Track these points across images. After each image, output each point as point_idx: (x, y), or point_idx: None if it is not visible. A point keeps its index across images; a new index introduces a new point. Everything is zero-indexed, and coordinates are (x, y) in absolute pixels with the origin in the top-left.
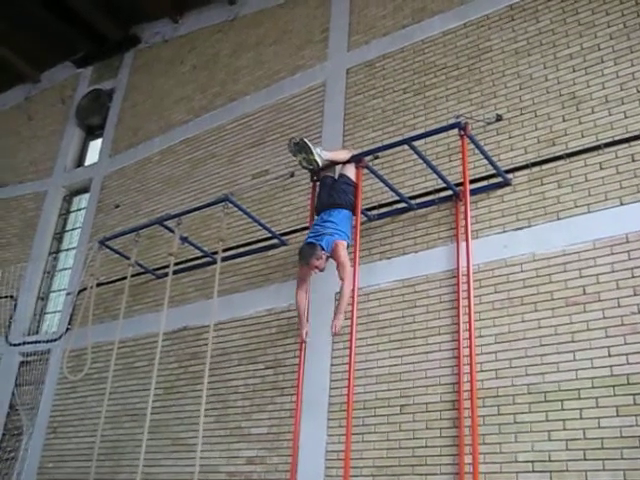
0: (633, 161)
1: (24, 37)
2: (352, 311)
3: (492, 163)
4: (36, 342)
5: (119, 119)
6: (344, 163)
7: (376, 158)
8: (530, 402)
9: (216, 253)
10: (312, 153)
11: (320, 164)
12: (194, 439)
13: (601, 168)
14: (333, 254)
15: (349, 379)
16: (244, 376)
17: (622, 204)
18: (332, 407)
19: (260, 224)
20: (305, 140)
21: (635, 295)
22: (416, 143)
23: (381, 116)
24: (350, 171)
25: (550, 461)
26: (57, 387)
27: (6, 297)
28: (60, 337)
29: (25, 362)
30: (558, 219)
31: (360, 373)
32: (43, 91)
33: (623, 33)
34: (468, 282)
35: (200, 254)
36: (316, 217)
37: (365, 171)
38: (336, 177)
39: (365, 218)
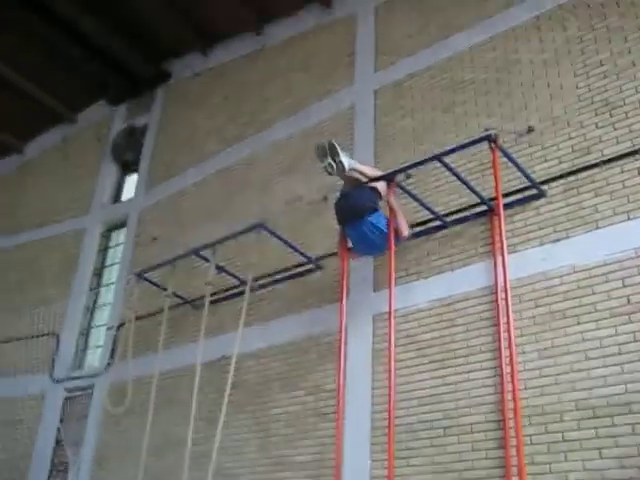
0: None
1: (58, 78)
2: (389, 333)
3: (525, 174)
4: (79, 377)
5: (153, 154)
6: (374, 180)
7: (408, 177)
8: (579, 419)
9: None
10: (338, 154)
11: (346, 167)
12: (238, 469)
13: (639, 174)
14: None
15: (389, 402)
16: (285, 403)
17: None
18: (375, 432)
19: (295, 249)
20: (333, 142)
21: None
22: (448, 159)
23: (411, 136)
24: (379, 187)
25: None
26: (101, 421)
27: (49, 334)
28: (102, 372)
29: (69, 398)
30: (597, 228)
31: (401, 396)
32: (79, 131)
33: None
34: (506, 297)
35: (237, 283)
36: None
37: (398, 191)
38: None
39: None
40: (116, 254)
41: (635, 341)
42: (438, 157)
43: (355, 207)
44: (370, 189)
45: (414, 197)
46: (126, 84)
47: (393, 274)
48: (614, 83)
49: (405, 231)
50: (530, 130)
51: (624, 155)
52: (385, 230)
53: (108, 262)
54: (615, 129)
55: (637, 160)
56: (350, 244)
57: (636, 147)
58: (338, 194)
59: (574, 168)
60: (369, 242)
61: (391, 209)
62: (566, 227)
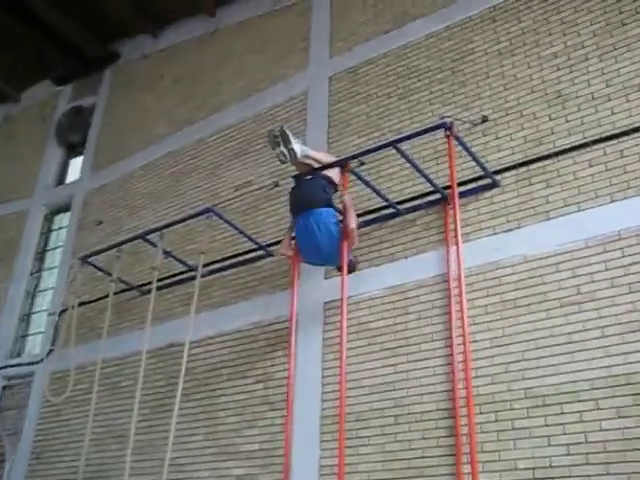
0: (622, 157)
1: (2, 56)
2: (342, 320)
3: (479, 164)
4: (18, 365)
5: (100, 136)
6: (327, 167)
7: (362, 164)
8: (528, 407)
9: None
10: (290, 142)
11: (298, 154)
12: (183, 459)
13: (590, 166)
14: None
15: (341, 390)
16: (233, 392)
17: (613, 201)
18: (324, 420)
19: (245, 235)
20: (285, 129)
21: (630, 293)
22: (402, 147)
23: (366, 122)
24: (333, 176)
25: (551, 467)
26: (41, 411)
27: None
28: (43, 359)
29: (8, 386)
30: (548, 219)
31: (352, 384)
32: (23, 110)
33: (606, 30)
34: (460, 286)
35: (185, 269)
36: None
37: (351, 177)
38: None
39: None
40: (59, 237)
41: (584, 330)
42: (393, 144)
43: (309, 197)
44: (325, 180)
45: (367, 184)
46: (73, 63)
47: (345, 263)
48: (567, 76)
49: (353, 223)
50: (484, 120)
51: (576, 147)
52: (332, 231)
53: (51, 245)
54: (567, 121)
55: (588, 152)
56: (297, 244)
57: (587, 139)
58: (293, 182)
59: (526, 159)
60: (314, 241)
61: (344, 204)
62: (518, 217)
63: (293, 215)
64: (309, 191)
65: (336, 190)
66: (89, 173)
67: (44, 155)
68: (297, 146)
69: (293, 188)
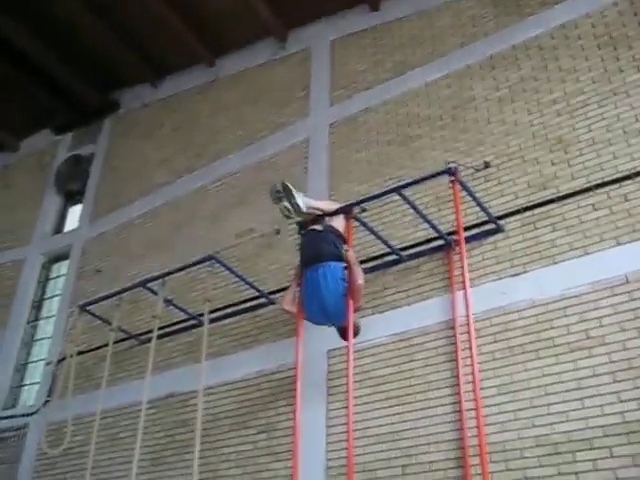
0: (626, 201)
1: (1, 104)
2: (347, 369)
3: (484, 209)
4: (12, 417)
5: (99, 184)
6: (331, 215)
7: (364, 211)
8: (540, 455)
9: (202, 315)
10: (294, 197)
11: (303, 209)
12: None
13: (594, 209)
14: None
15: (348, 440)
16: (236, 442)
17: (619, 244)
18: (330, 471)
19: (247, 282)
20: (287, 184)
21: None
22: (404, 193)
23: (366, 169)
24: (337, 223)
25: None
26: (35, 464)
27: None
28: (38, 410)
29: (1, 438)
30: (554, 263)
31: (357, 434)
32: (21, 159)
33: (604, 77)
34: (469, 332)
35: (185, 317)
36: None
37: (353, 224)
38: (321, 229)
39: None
40: (57, 286)
41: (595, 376)
42: (397, 190)
43: (319, 250)
44: (335, 234)
45: (371, 230)
46: (73, 113)
47: (351, 311)
48: (568, 122)
49: (360, 279)
50: (486, 165)
51: (579, 191)
52: (339, 287)
53: (48, 294)
54: (570, 166)
55: (592, 196)
56: (301, 300)
57: (591, 183)
58: (297, 229)
59: (530, 203)
60: (319, 296)
61: (348, 261)
62: (524, 262)
63: (302, 268)
64: (319, 244)
65: (345, 242)
66: (88, 221)
67: (42, 203)
68: (300, 199)
69: (302, 239)
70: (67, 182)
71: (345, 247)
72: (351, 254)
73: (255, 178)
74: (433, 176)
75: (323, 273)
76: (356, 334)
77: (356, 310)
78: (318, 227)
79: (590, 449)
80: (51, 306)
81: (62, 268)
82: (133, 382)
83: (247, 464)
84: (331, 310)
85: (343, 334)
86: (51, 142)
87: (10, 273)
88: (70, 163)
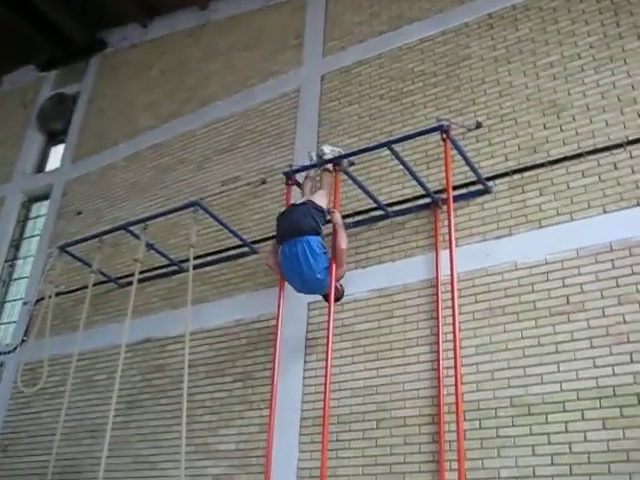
0: (616, 169)
1: None
2: (328, 322)
3: (473, 169)
4: None
5: (83, 124)
6: (322, 164)
7: (352, 164)
8: (513, 415)
9: (183, 261)
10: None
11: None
12: (157, 456)
13: (583, 176)
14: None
15: (325, 392)
16: (211, 389)
17: (605, 212)
18: (304, 422)
19: (231, 231)
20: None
21: (620, 305)
22: (394, 149)
23: (357, 123)
24: (319, 198)
25: (535, 476)
26: (9, 402)
27: None
28: (14, 349)
29: None
30: (540, 227)
31: (334, 386)
32: (4, 94)
33: (603, 42)
34: (452, 291)
35: (165, 263)
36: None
37: (342, 177)
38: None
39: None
40: (37, 226)
41: (572, 340)
42: (388, 144)
43: (296, 223)
44: (316, 209)
45: (359, 184)
46: (58, 49)
47: (333, 278)
48: (563, 86)
49: (343, 244)
50: (478, 125)
51: (570, 157)
52: (318, 261)
53: (27, 234)
54: (562, 131)
55: (582, 163)
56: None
57: (582, 150)
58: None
59: (520, 166)
60: (298, 270)
61: (334, 223)
62: (509, 224)
63: (278, 243)
64: (297, 217)
65: (326, 221)
66: (70, 162)
67: (24, 141)
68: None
69: (282, 213)
70: (50, 121)
71: (332, 209)
72: (337, 216)
73: (244, 126)
74: (425, 132)
75: (302, 249)
76: (339, 298)
77: (338, 278)
78: (299, 203)
79: (562, 411)
80: (30, 246)
81: (42, 208)
82: (111, 325)
83: (222, 411)
84: (312, 284)
85: (326, 297)
86: (35, 79)
87: None
88: (54, 101)
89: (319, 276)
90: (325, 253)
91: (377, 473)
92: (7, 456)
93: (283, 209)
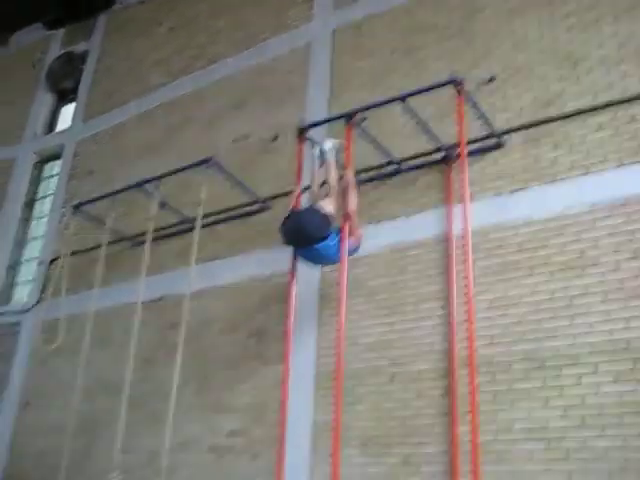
0: (633, 121)
1: None
2: (341, 277)
3: (487, 123)
4: (6, 313)
5: (93, 83)
6: (335, 119)
7: (363, 120)
8: (527, 369)
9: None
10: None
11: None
12: (173, 413)
13: (600, 129)
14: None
15: (339, 347)
16: (226, 345)
17: (621, 165)
18: (319, 377)
19: (244, 187)
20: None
21: (634, 259)
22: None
23: (369, 77)
24: (326, 204)
25: (547, 429)
26: (28, 361)
27: None
28: (31, 308)
29: None
30: (554, 181)
31: (348, 341)
32: (11, 54)
33: None
34: (466, 246)
35: (179, 221)
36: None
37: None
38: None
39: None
40: (49, 186)
41: (586, 294)
42: (402, 98)
43: (302, 233)
44: (322, 216)
45: (372, 139)
46: (66, 7)
47: (347, 222)
48: (579, 36)
49: (353, 204)
50: (492, 79)
51: (586, 110)
52: (330, 251)
53: (40, 194)
54: (578, 83)
55: (598, 115)
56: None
57: (598, 102)
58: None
59: (535, 120)
60: (314, 262)
61: (346, 183)
62: (523, 178)
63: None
64: (304, 226)
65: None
66: (81, 121)
67: (34, 101)
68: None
69: (286, 218)
70: (60, 80)
71: (345, 171)
72: (350, 177)
73: (254, 82)
74: (439, 86)
75: (315, 252)
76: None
77: (352, 252)
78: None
79: (575, 365)
80: (43, 206)
81: (55, 168)
82: (125, 284)
83: (237, 367)
84: (331, 262)
85: None
86: (43, 37)
87: (1, 172)
88: (63, 60)
89: (335, 258)
90: (334, 232)
91: (391, 426)
92: (29, 412)
93: (288, 214)
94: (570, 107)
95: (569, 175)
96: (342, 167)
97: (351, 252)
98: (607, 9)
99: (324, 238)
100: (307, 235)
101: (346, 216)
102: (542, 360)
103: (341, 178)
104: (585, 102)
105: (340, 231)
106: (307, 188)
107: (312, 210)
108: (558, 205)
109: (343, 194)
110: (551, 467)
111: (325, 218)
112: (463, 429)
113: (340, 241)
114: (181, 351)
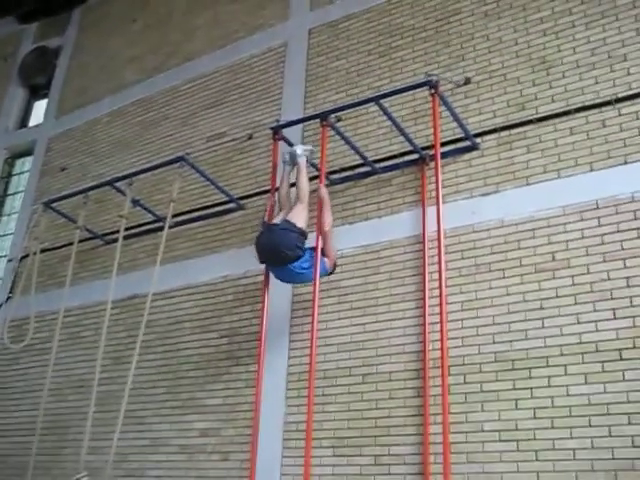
0: (604, 127)
1: None
2: (315, 277)
3: (461, 125)
4: None
5: (66, 79)
6: (308, 120)
7: (338, 120)
8: (497, 370)
9: None
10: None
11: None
12: (143, 411)
13: (571, 133)
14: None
15: (311, 347)
16: (197, 345)
17: (592, 170)
18: (291, 377)
19: (217, 186)
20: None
21: (605, 262)
22: (382, 104)
23: (345, 78)
24: (299, 216)
25: (517, 430)
26: None
27: None
28: (1, 305)
29: None
30: (527, 184)
31: (320, 342)
32: None
33: None
34: (439, 247)
35: (151, 219)
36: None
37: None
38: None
39: (327, 182)
40: (21, 182)
41: (557, 297)
42: (376, 99)
43: (276, 252)
44: (297, 235)
45: (346, 139)
46: (39, 1)
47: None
48: (553, 42)
49: (328, 224)
50: (467, 81)
51: (558, 114)
52: (308, 273)
53: (11, 190)
54: (551, 87)
55: (570, 120)
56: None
57: (570, 107)
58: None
59: (508, 123)
60: (287, 280)
61: (320, 198)
62: (496, 181)
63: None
64: (278, 244)
65: (305, 239)
66: (53, 117)
67: (5, 96)
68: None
69: (261, 234)
70: (32, 75)
71: (319, 185)
72: (324, 192)
73: (229, 81)
74: (414, 87)
75: (289, 272)
76: (331, 273)
77: (331, 272)
78: (277, 221)
79: (546, 366)
80: (14, 202)
81: (26, 164)
82: (97, 282)
83: (208, 367)
84: (305, 281)
85: None
86: (15, 31)
87: None
88: (35, 55)
89: (309, 277)
90: (307, 249)
91: (363, 427)
92: None
93: (261, 230)
94: (543, 111)
95: (541, 178)
96: (316, 168)
97: (325, 274)
98: (580, 16)
99: (298, 257)
100: (282, 256)
101: (323, 236)
102: (512, 361)
103: (313, 192)
104: (557, 106)
105: (314, 250)
106: (277, 189)
107: (286, 228)
108: (530, 208)
109: (317, 210)
110: (521, 467)
111: (300, 236)
112: (434, 429)
113: (314, 262)
114: (138, 350)
